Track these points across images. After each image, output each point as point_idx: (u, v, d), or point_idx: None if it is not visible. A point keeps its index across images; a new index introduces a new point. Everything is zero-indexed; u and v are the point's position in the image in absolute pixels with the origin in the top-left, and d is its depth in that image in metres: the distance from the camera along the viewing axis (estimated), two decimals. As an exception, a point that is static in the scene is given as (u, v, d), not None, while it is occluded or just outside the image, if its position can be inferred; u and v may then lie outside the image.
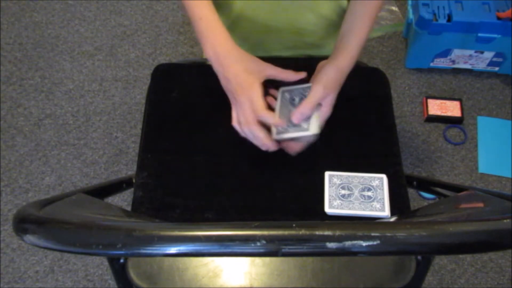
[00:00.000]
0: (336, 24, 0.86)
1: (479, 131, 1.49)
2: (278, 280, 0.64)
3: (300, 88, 0.75)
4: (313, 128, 0.70)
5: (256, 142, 0.70)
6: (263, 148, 0.70)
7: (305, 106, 0.69)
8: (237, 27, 0.85)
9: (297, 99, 0.74)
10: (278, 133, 0.71)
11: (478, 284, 1.26)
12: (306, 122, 0.71)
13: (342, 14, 0.81)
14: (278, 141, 0.72)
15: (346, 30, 0.73)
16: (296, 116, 0.69)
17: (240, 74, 0.68)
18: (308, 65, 0.76)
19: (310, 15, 0.84)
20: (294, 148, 0.73)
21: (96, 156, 1.46)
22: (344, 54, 0.71)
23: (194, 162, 0.76)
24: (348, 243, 0.39)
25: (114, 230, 0.42)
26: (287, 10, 0.82)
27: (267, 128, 0.70)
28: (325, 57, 0.75)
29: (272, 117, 0.68)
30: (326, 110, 0.71)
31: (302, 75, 0.74)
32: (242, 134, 0.70)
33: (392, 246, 0.39)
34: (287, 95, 0.76)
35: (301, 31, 0.87)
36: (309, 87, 0.73)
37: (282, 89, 0.77)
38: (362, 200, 0.70)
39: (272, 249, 0.39)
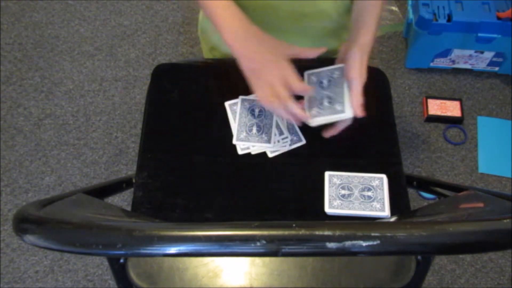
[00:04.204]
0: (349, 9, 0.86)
1: (479, 131, 1.49)
2: (278, 280, 0.64)
3: (327, 70, 0.75)
4: (348, 110, 0.69)
5: (289, 117, 0.69)
6: (297, 122, 0.71)
7: (357, 93, 0.68)
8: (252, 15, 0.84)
9: (325, 81, 0.74)
10: (313, 117, 0.71)
11: (478, 284, 1.26)
12: (340, 104, 0.70)
13: None
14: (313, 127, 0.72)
15: (361, 8, 0.74)
16: (356, 104, 0.68)
17: (265, 53, 0.69)
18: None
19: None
20: (330, 133, 0.75)
21: (96, 156, 1.46)
22: (364, 33, 0.71)
23: (194, 162, 0.76)
24: (348, 243, 0.39)
25: (114, 230, 0.42)
26: None
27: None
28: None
29: (309, 89, 0.69)
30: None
31: (323, 49, 0.73)
32: (270, 108, 0.70)
33: (392, 246, 0.39)
34: (313, 78, 0.76)
35: (319, 15, 0.86)
36: (337, 68, 0.73)
37: (307, 73, 0.77)
38: (362, 200, 0.70)
39: (272, 249, 0.39)
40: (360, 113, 0.69)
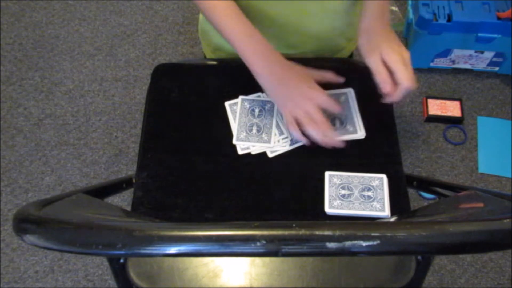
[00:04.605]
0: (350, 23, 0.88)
1: (479, 131, 1.49)
2: (278, 280, 0.64)
3: (334, 94, 0.79)
4: (361, 130, 0.76)
5: (324, 141, 0.71)
6: (327, 145, 0.72)
7: (406, 82, 0.69)
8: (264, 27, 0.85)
9: (256, 110, 0.78)
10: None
11: (478, 284, 1.26)
12: (352, 125, 0.76)
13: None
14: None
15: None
16: (408, 85, 0.69)
17: (297, 80, 0.72)
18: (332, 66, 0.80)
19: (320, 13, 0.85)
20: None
21: (96, 156, 1.46)
22: (377, 16, 0.74)
23: (194, 162, 0.76)
24: (348, 243, 0.39)
25: (114, 230, 0.42)
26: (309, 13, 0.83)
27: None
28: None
29: (340, 109, 0.72)
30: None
31: (341, 79, 0.77)
32: (299, 137, 0.72)
33: (392, 246, 0.39)
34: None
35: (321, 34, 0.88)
36: (344, 93, 0.79)
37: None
38: (362, 200, 0.70)
39: (272, 249, 0.39)
40: (414, 84, 0.70)
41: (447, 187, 0.75)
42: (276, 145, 0.76)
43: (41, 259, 1.30)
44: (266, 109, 0.79)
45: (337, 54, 0.95)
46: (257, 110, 0.79)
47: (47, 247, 0.43)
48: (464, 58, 1.54)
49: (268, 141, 0.76)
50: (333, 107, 0.71)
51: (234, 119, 0.78)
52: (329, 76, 0.76)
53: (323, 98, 0.71)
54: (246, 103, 0.80)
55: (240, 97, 0.80)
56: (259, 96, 0.80)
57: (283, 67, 0.73)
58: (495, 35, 1.42)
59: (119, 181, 0.82)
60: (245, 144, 0.76)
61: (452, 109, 1.51)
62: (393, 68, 0.70)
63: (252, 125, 0.78)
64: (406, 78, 0.69)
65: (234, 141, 0.76)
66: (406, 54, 0.71)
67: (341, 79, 0.77)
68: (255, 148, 0.76)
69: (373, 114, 0.79)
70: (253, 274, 0.65)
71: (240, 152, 0.76)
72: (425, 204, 1.21)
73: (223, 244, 0.39)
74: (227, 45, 0.91)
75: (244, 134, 0.77)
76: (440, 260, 1.30)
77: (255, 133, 0.77)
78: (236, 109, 0.79)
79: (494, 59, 1.53)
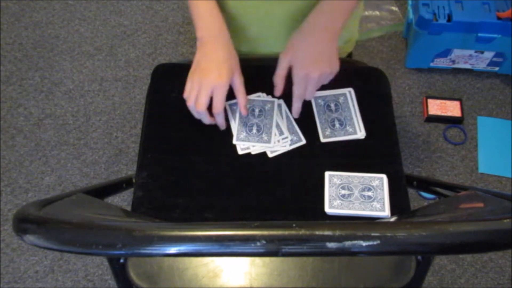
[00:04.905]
0: None
1: (479, 131, 1.49)
2: (278, 280, 0.64)
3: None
4: (360, 130, 0.77)
5: (198, 117, 0.76)
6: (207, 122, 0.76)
7: (295, 107, 0.74)
8: (233, 21, 0.85)
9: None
10: (326, 137, 0.78)
11: (478, 284, 1.26)
12: (352, 125, 0.77)
13: None
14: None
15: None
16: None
17: (221, 60, 0.73)
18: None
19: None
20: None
21: (96, 156, 1.46)
22: (314, 12, 0.74)
23: (194, 162, 0.76)
24: (348, 243, 0.39)
25: (114, 230, 0.42)
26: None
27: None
28: None
29: (220, 113, 0.74)
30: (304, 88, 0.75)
31: (246, 99, 0.77)
32: (188, 104, 0.74)
33: (392, 246, 0.39)
34: (320, 102, 0.81)
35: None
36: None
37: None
38: (362, 200, 0.70)
39: (272, 249, 0.39)
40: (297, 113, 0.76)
41: (447, 187, 0.75)
42: (276, 145, 0.76)
43: (41, 259, 1.30)
44: (266, 109, 0.79)
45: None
46: (257, 110, 0.79)
47: (47, 247, 0.43)
48: (464, 58, 1.54)
49: (268, 141, 0.76)
50: (217, 107, 0.72)
51: (234, 119, 0.78)
52: (240, 95, 0.76)
53: (218, 91, 0.72)
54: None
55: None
56: (259, 96, 0.80)
57: (216, 48, 0.74)
58: (495, 35, 1.42)
59: (119, 181, 0.82)
60: (245, 144, 0.76)
61: (452, 109, 1.51)
62: (293, 90, 0.75)
63: (252, 125, 0.78)
64: (294, 112, 0.77)
65: (234, 141, 0.76)
66: (314, 74, 0.72)
67: (246, 99, 0.77)
68: (255, 148, 0.76)
69: (373, 114, 0.79)
70: (253, 274, 0.65)
71: (240, 152, 0.76)
72: (425, 204, 1.21)
73: (223, 244, 0.39)
74: None
75: (244, 134, 0.77)
76: (440, 260, 1.30)
77: (255, 133, 0.77)
78: (236, 109, 0.79)
79: (494, 59, 1.53)
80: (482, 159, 1.44)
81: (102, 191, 0.76)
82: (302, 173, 0.74)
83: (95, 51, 1.67)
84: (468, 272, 1.28)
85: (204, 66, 0.73)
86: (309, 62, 0.72)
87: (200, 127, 0.79)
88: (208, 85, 0.72)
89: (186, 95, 0.74)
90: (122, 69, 1.63)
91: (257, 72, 0.79)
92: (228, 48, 0.75)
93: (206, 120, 0.75)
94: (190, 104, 0.73)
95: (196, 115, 0.75)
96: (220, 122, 0.76)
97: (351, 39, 0.96)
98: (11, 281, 1.27)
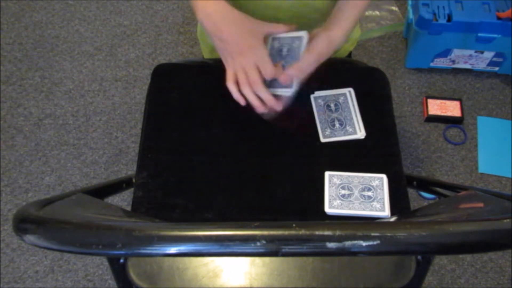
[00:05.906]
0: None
1: (479, 131, 1.49)
2: (278, 280, 0.64)
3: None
4: (360, 130, 0.77)
5: (255, 103, 0.69)
6: (261, 109, 0.70)
7: (294, 70, 0.68)
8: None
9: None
10: (326, 137, 0.77)
11: (478, 284, 1.26)
12: (352, 125, 0.77)
13: None
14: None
15: (343, 2, 0.74)
16: (283, 77, 0.68)
17: (238, 36, 0.68)
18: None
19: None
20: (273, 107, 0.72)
21: (96, 156, 1.46)
22: (338, 26, 0.72)
23: (194, 162, 0.76)
24: (348, 243, 0.39)
25: (114, 230, 0.42)
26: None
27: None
28: None
29: (283, 75, 0.68)
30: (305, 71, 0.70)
31: (293, 27, 0.73)
32: (235, 95, 0.69)
33: (392, 246, 0.39)
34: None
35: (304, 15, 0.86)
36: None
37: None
38: (362, 200, 0.70)
39: (272, 249, 0.39)
40: (282, 80, 0.68)
41: (447, 187, 0.75)
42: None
43: (41, 259, 1.30)
44: (294, 46, 0.74)
45: (334, 55, 0.95)
46: (285, 50, 0.74)
47: (47, 247, 0.43)
48: (464, 58, 1.54)
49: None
50: (270, 73, 0.67)
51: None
52: (281, 29, 0.72)
53: (263, 61, 0.67)
54: (275, 43, 0.75)
55: (271, 36, 0.75)
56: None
57: (232, 22, 0.69)
58: (495, 35, 1.42)
59: (119, 181, 0.82)
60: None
61: (452, 109, 1.51)
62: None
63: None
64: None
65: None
66: (303, 64, 0.69)
67: (293, 26, 0.73)
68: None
69: (373, 114, 0.79)
70: (253, 274, 0.64)
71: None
72: (425, 204, 1.21)
73: (223, 244, 0.39)
74: None
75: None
76: (440, 260, 1.30)
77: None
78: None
79: (494, 59, 1.53)
80: (482, 159, 1.44)
81: (102, 191, 0.76)
82: (302, 173, 0.74)
83: (95, 51, 1.67)
84: (468, 272, 1.28)
85: (230, 41, 0.68)
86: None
87: (200, 127, 0.79)
88: (248, 60, 0.67)
89: (231, 82, 0.69)
90: (122, 69, 1.63)
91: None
92: (239, 13, 0.70)
93: (265, 97, 0.68)
94: (245, 87, 0.68)
95: (253, 100, 0.69)
96: (268, 98, 0.69)
97: (352, 38, 0.97)
98: (11, 281, 1.27)
